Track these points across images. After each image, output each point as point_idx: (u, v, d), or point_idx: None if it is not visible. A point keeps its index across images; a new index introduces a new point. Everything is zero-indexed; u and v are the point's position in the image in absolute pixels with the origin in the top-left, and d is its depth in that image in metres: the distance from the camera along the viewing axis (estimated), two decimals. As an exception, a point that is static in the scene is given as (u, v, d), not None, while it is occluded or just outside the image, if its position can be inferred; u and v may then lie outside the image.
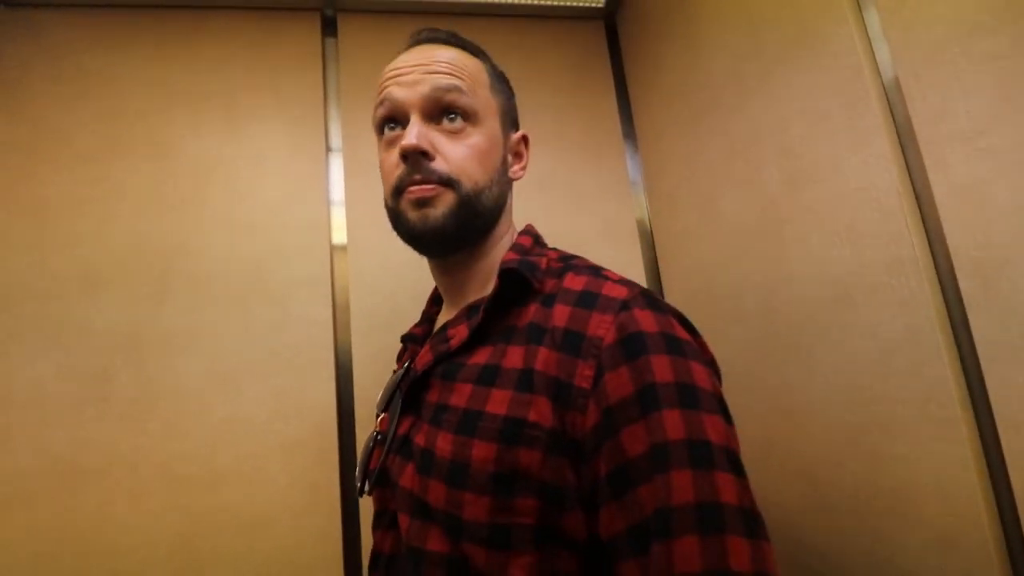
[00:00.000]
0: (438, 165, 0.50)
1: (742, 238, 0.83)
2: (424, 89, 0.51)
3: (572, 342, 0.43)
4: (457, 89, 0.51)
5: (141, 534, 0.86)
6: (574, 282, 0.48)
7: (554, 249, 0.57)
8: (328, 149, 1.07)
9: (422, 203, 0.50)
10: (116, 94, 1.02)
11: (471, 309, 0.53)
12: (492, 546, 0.40)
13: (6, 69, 1.00)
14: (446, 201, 0.50)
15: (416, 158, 0.50)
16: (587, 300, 0.45)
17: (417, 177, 0.50)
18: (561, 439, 0.40)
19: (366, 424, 0.94)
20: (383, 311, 1.00)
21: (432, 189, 0.50)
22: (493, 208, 0.54)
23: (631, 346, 0.40)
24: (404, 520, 0.47)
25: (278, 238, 1.00)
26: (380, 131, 0.55)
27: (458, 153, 0.51)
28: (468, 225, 0.52)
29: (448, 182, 0.50)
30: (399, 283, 1.01)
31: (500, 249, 0.56)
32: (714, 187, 0.90)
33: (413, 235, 0.52)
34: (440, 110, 0.51)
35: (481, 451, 0.42)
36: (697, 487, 0.35)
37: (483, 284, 0.55)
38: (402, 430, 0.52)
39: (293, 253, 1.00)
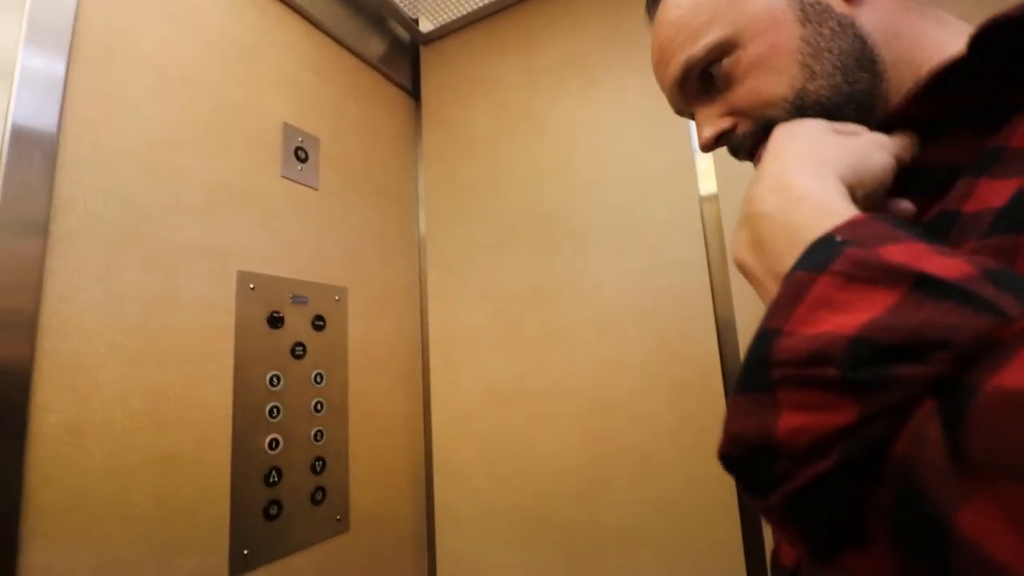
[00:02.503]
0: (740, 127, 0.42)
1: None
2: (669, 78, 0.43)
3: None
4: (690, 61, 0.40)
5: (555, 448, 1.03)
6: None
7: None
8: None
9: None
10: (501, 87, 1.22)
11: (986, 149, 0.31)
12: None
13: (432, 92, 1.33)
14: None
15: (721, 143, 0.43)
16: None
17: (743, 154, 0.44)
18: None
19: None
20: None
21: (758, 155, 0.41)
22: (840, 89, 0.36)
23: None
24: None
25: (643, 186, 1.02)
26: None
27: (742, 93, 0.40)
28: None
29: (764, 129, 0.39)
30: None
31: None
32: None
33: None
34: (697, 87, 0.42)
35: None
36: None
37: None
38: None
39: (660, 199, 1.00)
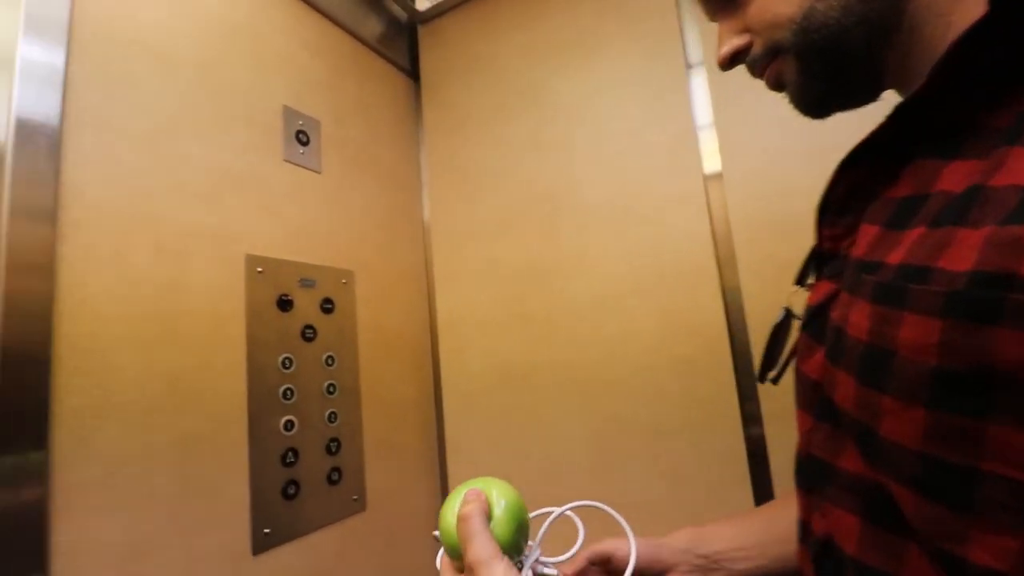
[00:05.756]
0: (756, 46, 0.40)
1: None
2: None
3: None
4: None
5: (563, 428, 1.04)
6: None
7: None
8: (688, 65, 1.00)
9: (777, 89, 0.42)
10: (499, 65, 1.21)
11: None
12: (929, 494, 0.25)
13: (431, 72, 1.31)
14: (788, 72, 0.39)
15: (738, 61, 0.41)
16: None
17: (756, 72, 0.41)
18: None
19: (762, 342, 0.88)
20: (766, 215, 0.89)
21: (769, 73, 0.40)
22: (852, 9, 0.33)
23: None
24: (804, 420, 0.36)
25: (645, 161, 1.01)
26: None
27: (755, 10, 0.38)
28: (837, 71, 0.36)
29: (771, 51, 0.38)
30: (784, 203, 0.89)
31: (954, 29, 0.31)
32: None
33: None
34: None
35: (914, 331, 0.25)
36: None
37: None
38: (815, 299, 0.38)
39: (662, 174, 0.99)
